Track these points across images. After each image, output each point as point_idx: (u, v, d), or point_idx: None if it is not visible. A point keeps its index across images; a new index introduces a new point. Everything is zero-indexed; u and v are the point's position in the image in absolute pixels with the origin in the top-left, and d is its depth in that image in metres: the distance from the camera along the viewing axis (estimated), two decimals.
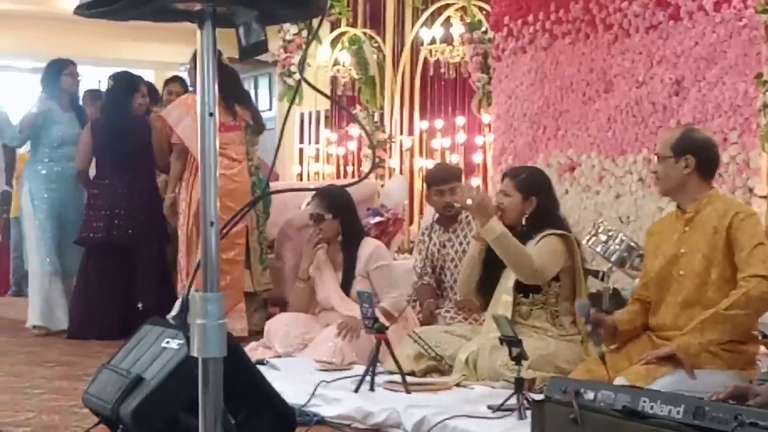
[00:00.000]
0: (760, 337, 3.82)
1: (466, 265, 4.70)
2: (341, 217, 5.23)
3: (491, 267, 4.56)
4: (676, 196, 3.91)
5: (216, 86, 1.97)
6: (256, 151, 6.76)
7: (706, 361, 3.59)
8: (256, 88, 11.63)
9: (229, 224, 2.09)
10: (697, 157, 3.78)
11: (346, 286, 5.20)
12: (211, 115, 1.97)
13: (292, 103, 6.77)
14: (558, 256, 4.43)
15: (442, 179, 5.46)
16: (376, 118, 9.06)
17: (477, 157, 8.00)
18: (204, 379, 1.94)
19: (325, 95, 2.32)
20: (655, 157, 3.92)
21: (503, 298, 4.46)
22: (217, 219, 1.96)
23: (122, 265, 6.56)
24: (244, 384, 3.04)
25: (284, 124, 2.40)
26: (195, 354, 1.92)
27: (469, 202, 4.45)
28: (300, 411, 3.88)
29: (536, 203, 4.53)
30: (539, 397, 3.20)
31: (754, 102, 5.52)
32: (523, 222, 4.52)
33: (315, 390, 4.08)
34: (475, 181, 7.92)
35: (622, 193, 6.32)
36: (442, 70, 8.22)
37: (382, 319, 4.62)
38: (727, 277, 3.67)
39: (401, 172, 8.73)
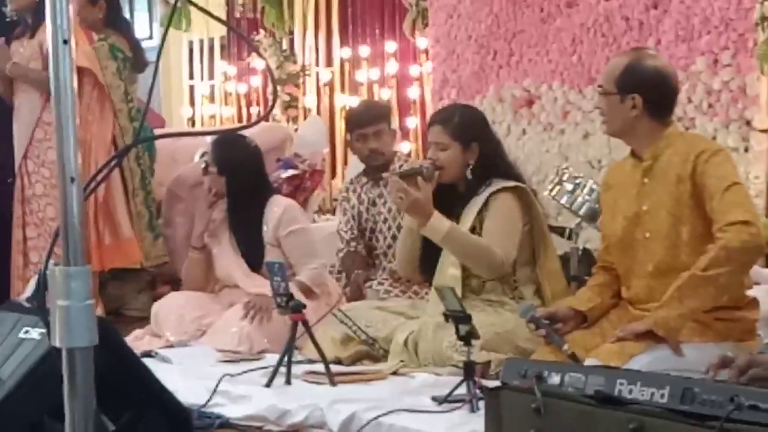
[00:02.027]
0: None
1: (403, 238, 4.72)
2: (230, 171, 5.24)
3: None
4: (627, 140, 3.97)
5: (70, 7, 1.95)
6: (135, 92, 6.70)
7: (694, 334, 3.66)
8: (131, 11, 11.47)
9: (94, 180, 2.06)
10: (646, 95, 3.83)
11: (251, 257, 5.18)
12: (66, 42, 1.94)
13: (168, 27, 6.66)
14: (517, 222, 4.48)
15: (365, 121, 5.47)
16: (285, 45, 9.00)
17: (413, 92, 8.02)
18: (70, 374, 1.92)
19: (215, 17, 2.28)
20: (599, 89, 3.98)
21: (450, 272, 4.50)
22: (78, 174, 1.93)
23: None
24: (126, 381, 3.02)
25: (159, 54, 2.36)
26: (57, 344, 1.90)
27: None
28: (199, 412, 3.88)
29: (479, 150, 4.56)
30: (494, 383, 3.23)
31: (750, 14, 5.59)
32: (468, 175, 4.54)
33: (217, 386, 4.07)
34: (412, 121, 7.93)
35: (592, 132, 6.38)
36: None
37: (299, 296, 4.62)
38: (700, 234, 3.72)
39: (319, 113, 8.70)
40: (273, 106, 3.58)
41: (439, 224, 4.38)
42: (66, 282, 1.92)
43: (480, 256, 4.40)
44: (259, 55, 6.84)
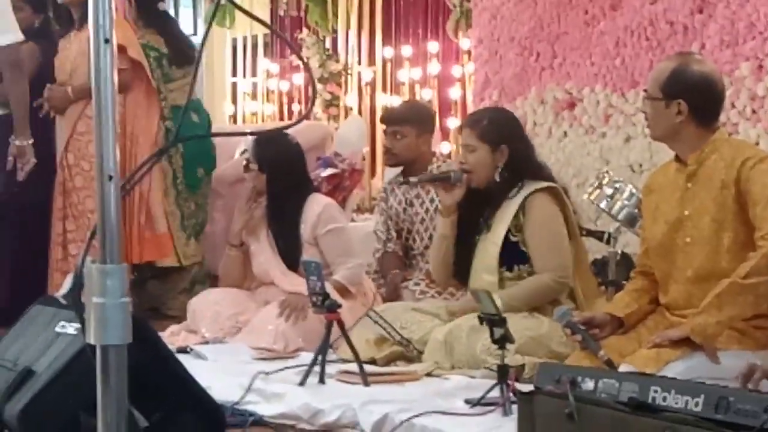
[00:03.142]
0: None
1: (436, 246, 4.74)
2: (271, 169, 5.26)
3: (466, 239, 4.60)
4: (672, 145, 3.95)
5: (113, 4, 1.97)
6: (174, 90, 6.71)
7: (731, 342, 3.64)
8: (176, 7, 11.55)
9: (133, 177, 2.09)
10: (691, 101, 3.80)
11: (288, 255, 5.20)
12: (107, 41, 1.96)
13: (210, 25, 6.61)
14: (560, 227, 4.49)
15: (387, 119, 5.56)
16: (328, 44, 9.03)
17: (454, 92, 8.02)
18: (103, 372, 1.95)
19: (253, 17, 2.30)
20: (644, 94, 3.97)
21: (485, 278, 4.50)
22: (117, 172, 1.96)
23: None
24: (161, 378, 3.05)
25: (200, 51, 2.38)
26: (91, 341, 1.93)
27: None
28: (233, 409, 3.90)
29: (508, 152, 4.55)
30: (528, 388, 3.24)
31: None
32: (497, 178, 4.55)
33: (251, 384, 4.09)
34: (453, 122, 7.93)
35: (634, 136, 6.35)
36: None
37: (335, 295, 4.63)
38: (742, 240, 3.70)
39: (360, 112, 8.72)
40: (312, 106, 3.59)
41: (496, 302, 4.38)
42: (102, 279, 1.94)
43: (541, 298, 4.48)
44: (299, 56, 6.82)
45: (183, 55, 6.66)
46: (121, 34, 6.16)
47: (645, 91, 3.96)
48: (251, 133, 5.76)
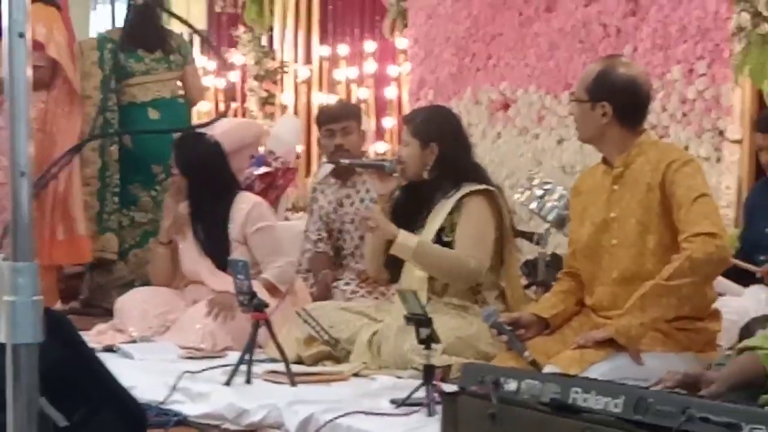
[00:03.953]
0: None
1: (368, 239, 4.73)
2: (192, 172, 5.27)
3: None
4: (599, 147, 3.99)
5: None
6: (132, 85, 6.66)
7: (655, 343, 3.68)
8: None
9: (47, 174, 2.07)
10: (616, 104, 3.84)
11: (217, 254, 5.18)
12: (21, 36, 1.94)
13: (125, 26, 6.52)
14: (489, 227, 4.49)
15: (334, 116, 5.52)
16: (264, 41, 9.00)
17: (390, 92, 8.03)
18: (15, 370, 1.92)
19: (173, 14, 2.28)
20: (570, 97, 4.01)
21: (416, 273, 4.50)
22: (29, 168, 1.94)
23: None
24: (81, 376, 3.01)
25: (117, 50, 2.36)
26: (2, 339, 1.90)
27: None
28: (157, 409, 3.87)
29: (438, 150, 4.56)
30: (453, 388, 3.24)
31: (727, 24, 5.62)
32: (426, 175, 4.56)
33: (177, 383, 4.07)
34: (389, 121, 7.94)
35: (566, 137, 6.41)
36: None
37: (263, 294, 4.63)
38: (667, 243, 3.75)
39: (296, 110, 8.71)
40: (227, 109, 3.56)
41: (406, 242, 4.38)
42: (13, 277, 1.91)
43: (452, 267, 4.41)
44: (218, 56, 6.75)
45: (139, 39, 6.57)
46: (45, 32, 6.11)
47: (572, 93, 3.99)
48: (165, 131, 5.72)
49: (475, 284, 4.50)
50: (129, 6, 6.86)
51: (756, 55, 5.45)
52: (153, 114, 6.61)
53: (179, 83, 6.73)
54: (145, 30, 6.62)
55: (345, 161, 5.09)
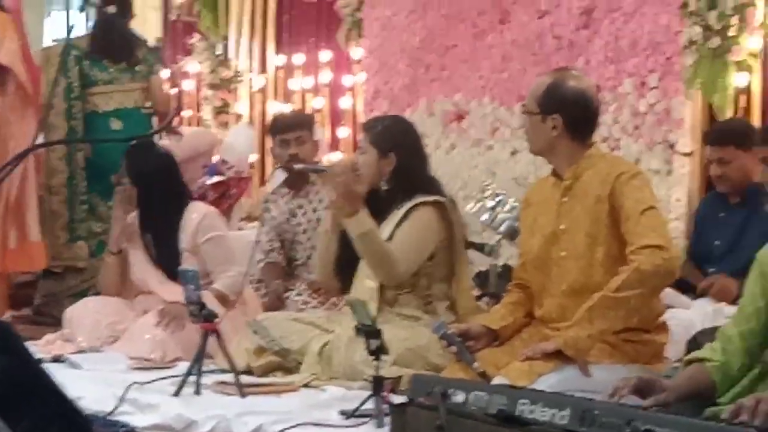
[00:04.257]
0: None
1: (320, 241, 4.72)
2: (142, 182, 5.26)
3: (352, 246, 4.59)
4: (549, 159, 4.02)
5: None
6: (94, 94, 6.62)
7: (603, 355, 3.70)
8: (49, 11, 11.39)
9: None
10: (567, 116, 3.88)
11: (167, 264, 5.16)
12: None
13: (68, 33, 6.53)
14: (430, 237, 4.48)
15: (288, 126, 5.53)
16: (219, 50, 8.97)
17: (345, 102, 8.01)
18: None
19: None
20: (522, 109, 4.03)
21: (366, 283, 4.50)
22: None
23: None
24: (26, 386, 2.98)
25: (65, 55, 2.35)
26: None
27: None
28: (105, 420, 3.85)
29: (396, 161, 4.56)
30: (402, 399, 3.24)
31: (678, 38, 5.67)
32: (383, 185, 4.55)
33: (125, 393, 4.04)
34: (344, 131, 7.94)
35: (519, 149, 6.42)
36: None
37: (214, 304, 4.62)
38: (615, 255, 3.78)
39: (251, 120, 8.69)
40: (173, 117, 3.55)
41: (363, 220, 4.36)
42: None
43: (383, 262, 4.38)
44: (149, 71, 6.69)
45: (105, 48, 6.54)
46: None
47: (523, 105, 4.01)
48: (114, 140, 5.69)
49: (416, 290, 4.50)
50: (97, 14, 6.80)
51: (706, 69, 5.50)
52: (115, 124, 6.57)
53: (143, 93, 6.69)
54: (111, 39, 6.59)
55: (299, 166, 5.08)
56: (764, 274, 3.11)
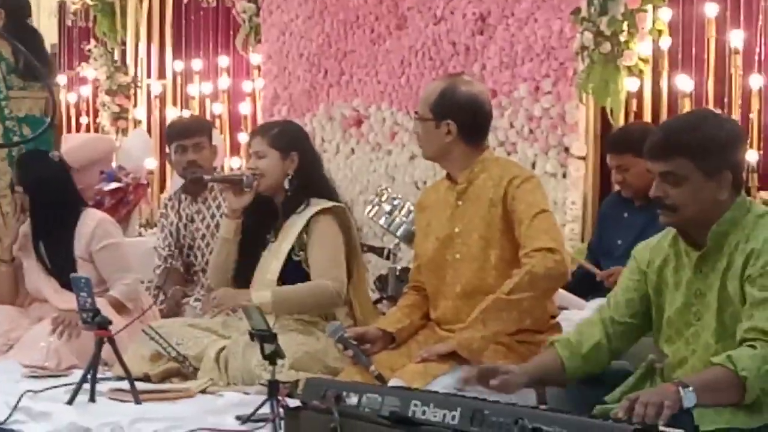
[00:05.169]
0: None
1: (218, 248, 4.71)
2: (33, 189, 5.21)
3: (249, 250, 4.59)
4: (443, 164, 4.07)
5: None
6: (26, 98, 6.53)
7: (497, 356, 3.73)
8: None
9: None
10: (460, 121, 3.92)
11: (61, 272, 5.10)
12: None
13: None
14: (340, 246, 4.51)
15: (185, 132, 5.50)
16: (117, 55, 8.91)
17: (245, 108, 8.02)
18: None
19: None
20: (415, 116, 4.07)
21: (263, 293, 4.49)
22: None
23: None
24: None
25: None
26: None
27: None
28: None
29: (298, 160, 4.58)
30: (298, 403, 3.25)
31: (571, 43, 5.76)
32: (286, 185, 4.56)
33: (18, 402, 3.98)
34: (243, 137, 7.93)
35: (418, 153, 6.41)
36: None
37: (108, 311, 4.58)
38: (508, 258, 3.84)
39: (149, 125, 8.64)
40: (49, 124, 3.50)
41: (259, 296, 4.37)
42: None
43: (315, 300, 4.43)
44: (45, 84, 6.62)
45: (28, 70, 6.46)
46: None
47: (416, 112, 4.05)
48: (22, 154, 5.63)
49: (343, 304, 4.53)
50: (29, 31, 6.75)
51: (599, 74, 5.59)
52: (26, 131, 6.49)
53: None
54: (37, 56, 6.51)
55: (207, 177, 5.06)
56: (638, 269, 3.23)
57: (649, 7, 5.51)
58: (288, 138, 4.63)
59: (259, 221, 4.61)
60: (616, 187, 5.19)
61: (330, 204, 4.55)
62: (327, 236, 4.49)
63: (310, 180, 4.58)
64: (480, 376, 3.15)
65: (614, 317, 3.24)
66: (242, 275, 4.64)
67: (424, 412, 2.82)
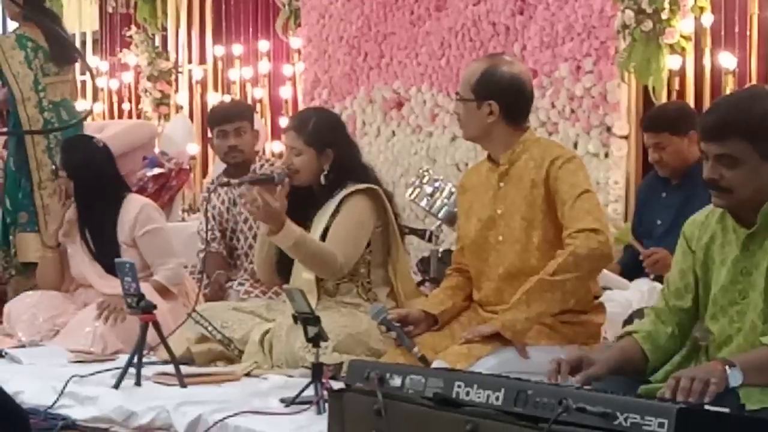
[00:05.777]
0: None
1: (260, 244, 4.72)
2: (78, 174, 5.23)
3: None
4: (485, 145, 4.05)
5: None
6: (58, 83, 6.57)
7: (541, 337, 3.74)
8: None
9: None
10: (502, 102, 3.89)
11: (106, 257, 5.14)
12: None
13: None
14: (365, 225, 4.49)
15: (226, 117, 5.49)
16: (158, 41, 8.94)
17: (285, 92, 8.03)
18: None
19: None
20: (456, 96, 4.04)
21: (304, 276, 4.50)
22: None
23: None
24: None
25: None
26: None
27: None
28: (45, 414, 3.84)
29: (333, 155, 4.56)
30: (341, 385, 3.26)
31: (612, 22, 5.72)
32: (322, 180, 4.55)
33: (65, 387, 4.04)
34: (284, 121, 7.93)
35: (459, 135, 6.42)
36: None
37: (153, 296, 4.61)
38: (551, 239, 3.82)
39: (191, 111, 8.67)
40: (89, 112, 3.51)
41: (289, 233, 4.36)
42: None
43: (320, 263, 4.40)
44: (87, 67, 6.66)
45: (60, 52, 6.51)
46: None
47: (457, 93, 4.03)
48: (66, 139, 5.66)
49: (355, 278, 4.52)
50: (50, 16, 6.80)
51: (640, 52, 5.55)
52: (64, 115, 6.53)
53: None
54: (64, 39, 6.55)
55: (234, 181, 5.04)
56: (688, 249, 3.16)
57: None
58: (323, 133, 4.57)
59: (298, 211, 4.61)
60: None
61: (363, 185, 4.53)
62: (353, 213, 4.47)
63: (345, 170, 4.57)
64: (574, 362, 3.07)
65: (677, 304, 3.16)
66: (283, 263, 4.64)
67: (467, 393, 2.81)
